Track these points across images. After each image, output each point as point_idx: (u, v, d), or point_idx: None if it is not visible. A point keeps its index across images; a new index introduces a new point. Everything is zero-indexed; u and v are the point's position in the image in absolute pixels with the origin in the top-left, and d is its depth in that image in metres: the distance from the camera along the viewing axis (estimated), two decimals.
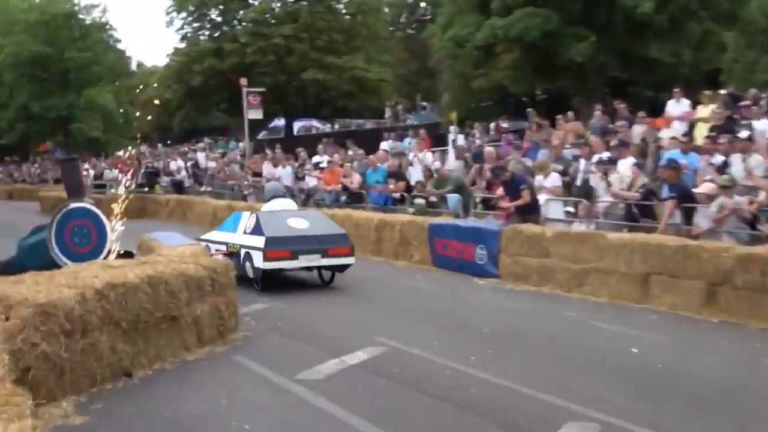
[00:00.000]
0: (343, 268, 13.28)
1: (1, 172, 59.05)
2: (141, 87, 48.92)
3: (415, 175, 19.31)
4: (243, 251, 13.15)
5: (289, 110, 44.64)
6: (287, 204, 14.74)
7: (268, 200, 14.95)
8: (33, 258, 9.88)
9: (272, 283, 13.03)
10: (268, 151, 28.76)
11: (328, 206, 19.64)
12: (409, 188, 18.66)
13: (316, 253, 12.77)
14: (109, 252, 10.06)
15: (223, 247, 13.64)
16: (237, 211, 16.07)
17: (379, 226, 16.63)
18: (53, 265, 9.31)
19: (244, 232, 13.42)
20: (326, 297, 12.61)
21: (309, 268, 13.49)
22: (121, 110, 58.66)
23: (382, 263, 16.00)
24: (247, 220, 13.63)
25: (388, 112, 53.13)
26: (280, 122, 50.81)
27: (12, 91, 57.00)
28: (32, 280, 7.85)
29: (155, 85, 47.54)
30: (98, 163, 40.45)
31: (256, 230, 13.06)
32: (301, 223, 13.34)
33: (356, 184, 19.98)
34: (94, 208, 10.18)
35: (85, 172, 32.33)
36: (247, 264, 12.99)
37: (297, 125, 51.42)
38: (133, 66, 73.19)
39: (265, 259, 12.62)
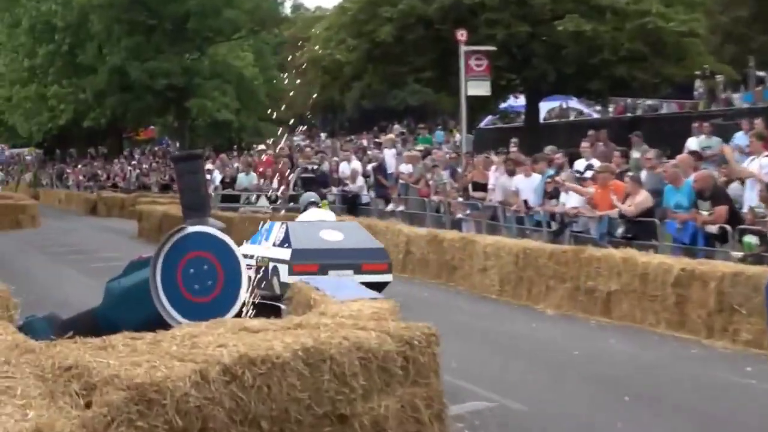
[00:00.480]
0: (380, 286, 16.71)
1: (82, 171, 61.85)
2: (299, 44, 50.26)
3: (747, 195, 18.88)
4: (271, 265, 18.03)
5: (533, 83, 44.71)
6: (325, 215, 20.49)
7: (304, 210, 21.02)
8: (128, 310, 10.29)
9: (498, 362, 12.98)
10: (493, 154, 28.86)
11: (597, 242, 19.62)
12: (735, 218, 18.23)
13: (348, 269, 17.50)
14: (243, 305, 10.34)
15: (252, 262, 17.97)
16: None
17: (682, 281, 16.42)
18: (158, 322, 9.65)
19: (273, 244, 18.62)
20: (585, 396, 12.57)
21: None
22: (265, 79, 60.69)
23: (686, 342, 15.81)
24: (277, 231, 18.88)
25: (700, 88, 52.28)
26: (517, 102, 51.02)
27: (102, 48, 59.29)
28: (126, 347, 8.11)
29: (320, 41, 48.80)
30: (229, 162, 41.93)
31: (284, 242, 18.25)
32: (334, 235, 18.69)
33: (641, 208, 19.78)
34: (221, 235, 10.48)
35: (208, 176, 33.64)
36: (275, 279, 17.89)
37: (545, 107, 51.43)
38: (287, 10, 75.80)
39: (291, 273, 17.22)
